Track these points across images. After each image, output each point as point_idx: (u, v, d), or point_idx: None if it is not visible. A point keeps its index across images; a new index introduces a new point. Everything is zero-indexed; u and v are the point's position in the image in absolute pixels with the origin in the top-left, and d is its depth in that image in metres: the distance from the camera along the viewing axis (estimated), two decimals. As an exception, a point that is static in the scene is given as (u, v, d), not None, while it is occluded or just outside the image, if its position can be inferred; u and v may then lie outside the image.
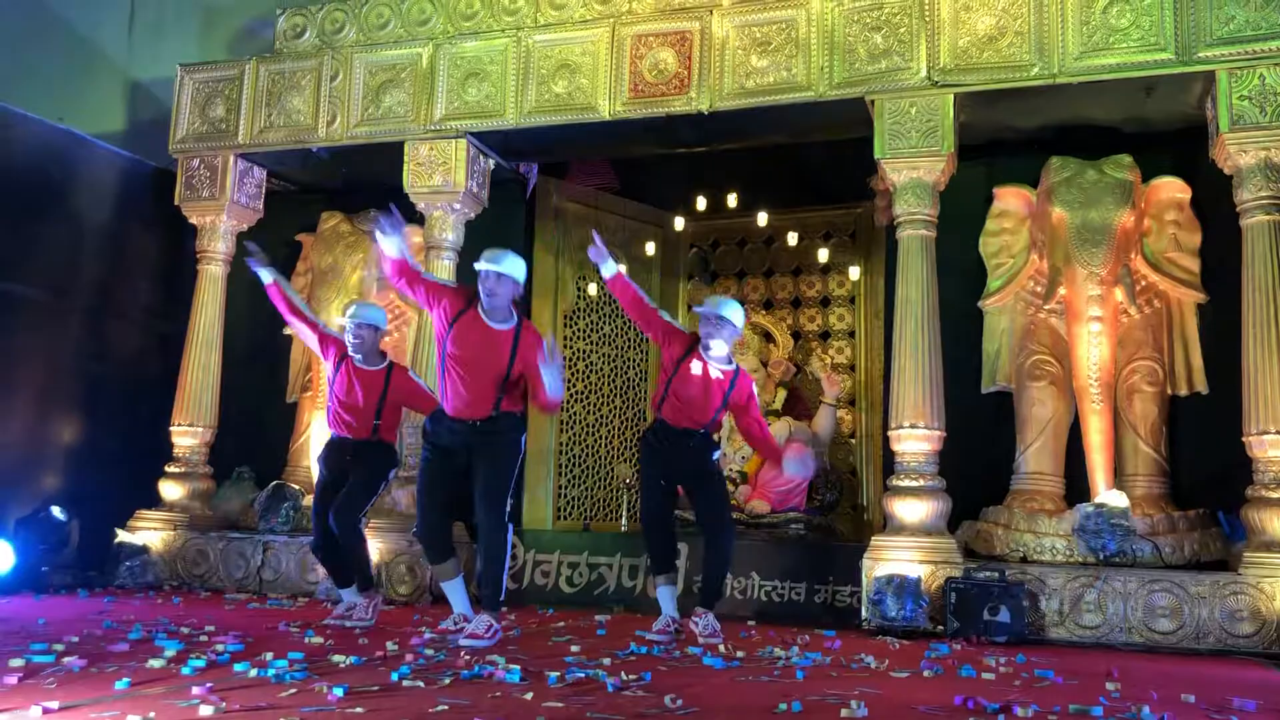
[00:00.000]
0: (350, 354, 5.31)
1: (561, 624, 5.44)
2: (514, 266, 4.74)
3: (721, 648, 4.62)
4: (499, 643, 4.49)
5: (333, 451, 5.44)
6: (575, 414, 8.08)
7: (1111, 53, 5.70)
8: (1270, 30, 5.46)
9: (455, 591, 5.00)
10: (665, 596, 5.19)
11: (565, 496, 7.93)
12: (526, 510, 7.46)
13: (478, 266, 4.72)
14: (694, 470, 5.23)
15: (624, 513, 7.79)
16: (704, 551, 5.29)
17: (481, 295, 4.71)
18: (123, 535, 6.85)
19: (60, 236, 7.25)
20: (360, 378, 5.30)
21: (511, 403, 4.81)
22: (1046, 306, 6.22)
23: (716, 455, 5.37)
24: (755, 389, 5.42)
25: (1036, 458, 6.11)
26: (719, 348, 5.08)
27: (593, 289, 8.23)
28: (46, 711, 2.75)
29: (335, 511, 5.21)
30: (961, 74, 5.93)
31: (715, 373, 5.12)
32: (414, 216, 7.21)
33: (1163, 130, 6.24)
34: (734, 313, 5.13)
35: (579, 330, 8.17)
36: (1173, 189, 6.10)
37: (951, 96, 5.93)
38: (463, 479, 4.81)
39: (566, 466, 7.96)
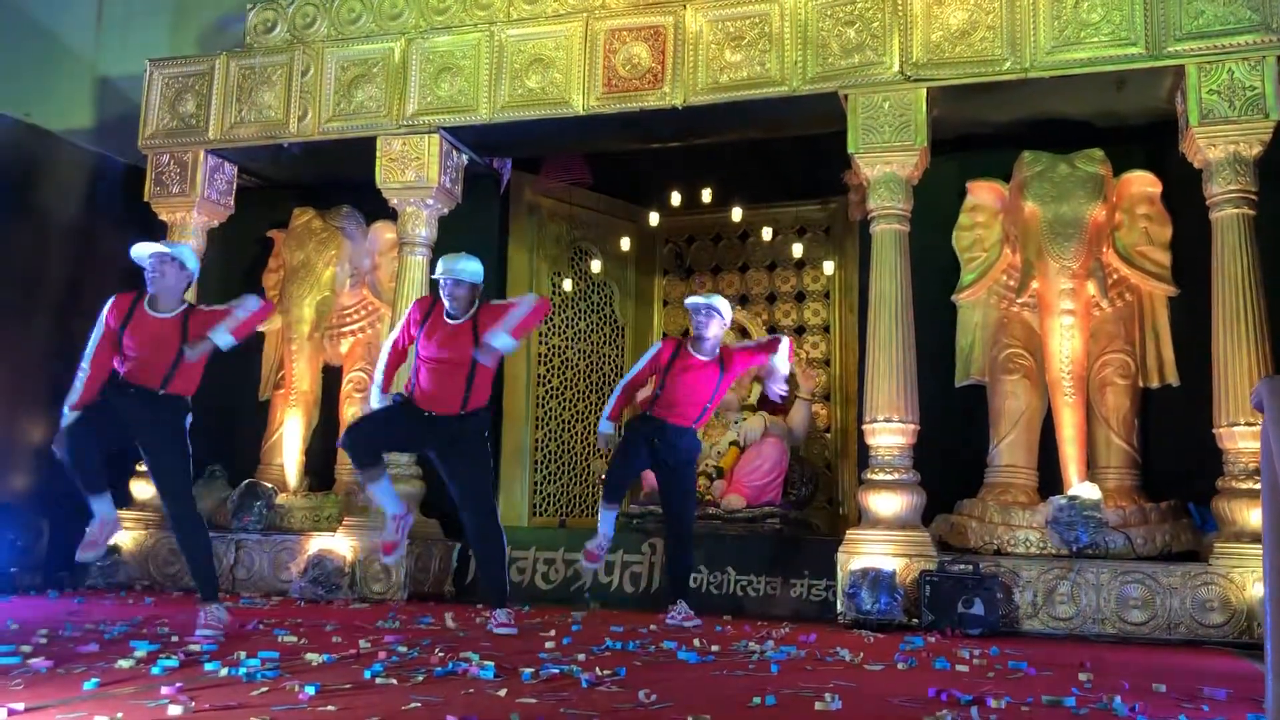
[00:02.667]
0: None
1: (538, 620, 5.42)
2: (471, 269, 4.93)
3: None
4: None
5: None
6: (550, 410, 8.06)
7: (1082, 47, 5.73)
8: (1239, 25, 5.51)
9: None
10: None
11: (541, 493, 7.90)
12: (503, 507, 7.41)
13: (435, 276, 4.99)
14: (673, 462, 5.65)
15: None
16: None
17: (444, 299, 4.90)
18: (93, 535, 6.76)
19: (27, 234, 7.16)
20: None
21: (477, 399, 4.94)
22: (1019, 300, 6.25)
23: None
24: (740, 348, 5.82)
25: (1010, 451, 6.13)
26: (715, 329, 5.57)
27: (567, 285, 8.21)
28: (12, 713, 2.71)
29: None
30: (934, 68, 5.95)
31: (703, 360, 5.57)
32: (387, 212, 7.18)
33: (1134, 125, 6.28)
34: (722, 303, 5.64)
35: (554, 326, 8.15)
36: (1144, 183, 6.13)
37: (924, 91, 5.95)
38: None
39: (542, 463, 7.94)
